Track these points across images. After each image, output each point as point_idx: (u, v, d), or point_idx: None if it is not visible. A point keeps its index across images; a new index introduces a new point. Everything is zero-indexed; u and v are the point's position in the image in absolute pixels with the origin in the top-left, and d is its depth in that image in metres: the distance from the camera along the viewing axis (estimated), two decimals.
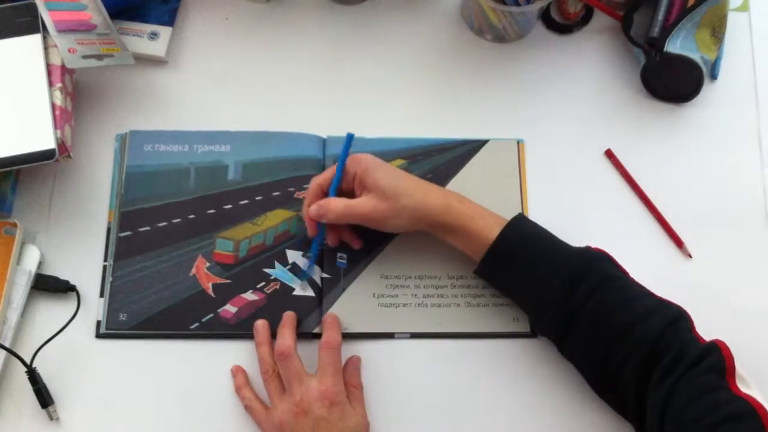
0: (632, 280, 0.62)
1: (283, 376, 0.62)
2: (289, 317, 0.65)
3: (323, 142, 0.73)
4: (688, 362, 0.55)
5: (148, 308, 0.66)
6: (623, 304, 0.60)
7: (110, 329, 0.65)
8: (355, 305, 0.67)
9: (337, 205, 0.64)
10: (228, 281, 0.67)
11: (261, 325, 0.65)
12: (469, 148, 0.73)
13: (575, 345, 0.62)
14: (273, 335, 0.65)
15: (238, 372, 0.65)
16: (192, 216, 0.69)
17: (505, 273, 0.64)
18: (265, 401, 0.63)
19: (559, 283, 0.60)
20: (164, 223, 0.69)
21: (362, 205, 0.64)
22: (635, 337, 0.58)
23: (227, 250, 0.68)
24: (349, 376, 0.64)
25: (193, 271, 0.67)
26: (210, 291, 0.67)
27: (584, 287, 0.60)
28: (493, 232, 0.62)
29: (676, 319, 0.59)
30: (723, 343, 0.57)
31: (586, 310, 0.60)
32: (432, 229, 0.65)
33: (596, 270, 0.61)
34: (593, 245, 0.65)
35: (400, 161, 0.72)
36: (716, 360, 0.55)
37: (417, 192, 0.64)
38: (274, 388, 0.62)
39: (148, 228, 0.68)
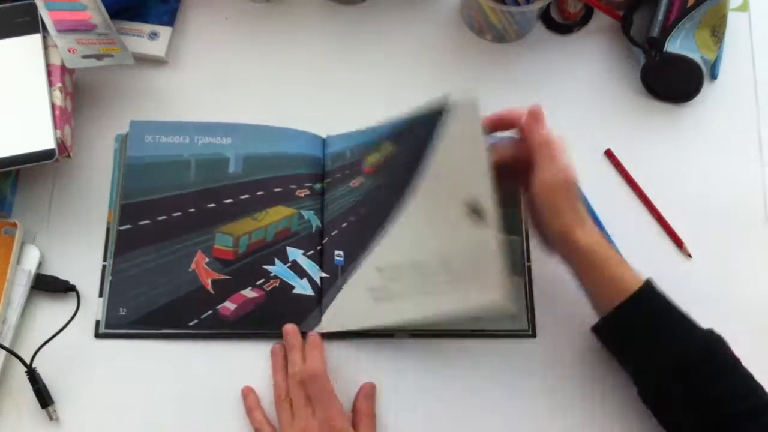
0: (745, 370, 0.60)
1: (293, 400, 0.62)
2: (293, 335, 0.65)
3: (323, 142, 0.73)
4: None
5: (147, 303, 0.66)
6: (746, 391, 0.58)
7: (110, 324, 0.66)
8: (352, 302, 0.67)
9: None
10: (227, 277, 0.67)
11: (278, 350, 0.65)
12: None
13: (684, 419, 0.59)
14: (275, 335, 0.65)
15: (249, 394, 0.64)
16: (192, 210, 0.69)
17: (628, 334, 0.61)
18: (274, 422, 0.63)
19: (683, 358, 0.58)
20: (164, 217, 0.69)
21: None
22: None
23: (227, 245, 0.68)
24: (360, 404, 0.63)
25: (193, 266, 0.67)
26: (209, 287, 0.67)
27: (708, 369, 0.58)
28: (627, 283, 0.60)
29: None
30: None
31: (706, 391, 0.58)
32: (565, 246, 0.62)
33: (721, 353, 0.59)
34: None
35: (389, 146, 0.70)
36: None
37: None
38: (286, 417, 0.62)
39: (148, 221, 0.68)
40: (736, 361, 0.59)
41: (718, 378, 0.58)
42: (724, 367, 0.59)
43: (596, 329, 0.63)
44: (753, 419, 0.56)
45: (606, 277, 0.60)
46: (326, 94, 0.76)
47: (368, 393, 0.64)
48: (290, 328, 0.65)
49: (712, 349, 0.59)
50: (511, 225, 0.71)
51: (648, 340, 0.60)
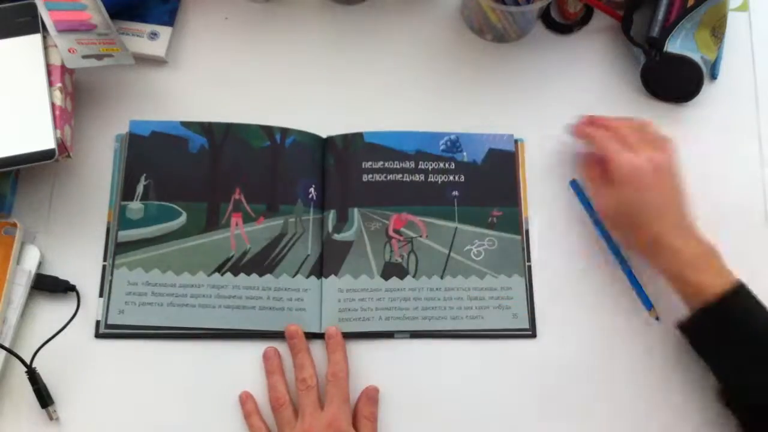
0: None
1: (300, 405, 0.62)
2: (299, 337, 0.65)
3: (323, 143, 0.73)
4: None
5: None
6: None
7: (110, 325, 0.66)
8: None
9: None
10: None
11: (272, 352, 0.65)
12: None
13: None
14: (274, 335, 0.65)
15: (248, 399, 0.64)
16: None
17: (715, 338, 0.61)
18: (272, 428, 0.63)
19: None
20: None
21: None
22: None
23: None
24: (362, 407, 0.63)
25: None
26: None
27: None
28: (711, 289, 0.60)
29: None
30: None
31: None
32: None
33: None
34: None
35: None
36: None
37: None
38: (285, 420, 0.62)
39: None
40: None
41: None
42: None
43: (683, 327, 0.63)
44: None
45: (688, 283, 0.61)
46: (326, 94, 0.76)
47: (372, 396, 0.64)
48: (294, 330, 0.65)
49: None
50: (511, 225, 0.71)
51: (744, 340, 0.60)
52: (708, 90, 0.77)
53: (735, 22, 0.80)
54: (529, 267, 0.70)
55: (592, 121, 0.70)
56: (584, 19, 0.80)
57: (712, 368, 0.62)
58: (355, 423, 0.62)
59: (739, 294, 0.60)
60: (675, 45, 0.74)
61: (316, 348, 0.66)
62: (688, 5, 0.74)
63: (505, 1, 0.73)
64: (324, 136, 0.73)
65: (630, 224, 0.65)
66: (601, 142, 0.67)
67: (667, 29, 0.74)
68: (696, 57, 0.74)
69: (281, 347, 0.66)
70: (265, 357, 0.65)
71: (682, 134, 0.75)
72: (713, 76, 0.78)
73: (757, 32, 0.80)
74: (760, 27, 0.80)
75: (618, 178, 0.64)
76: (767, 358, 0.59)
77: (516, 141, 0.74)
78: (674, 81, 0.75)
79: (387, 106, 0.75)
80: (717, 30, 0.76)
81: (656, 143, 0.66)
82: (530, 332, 0.68)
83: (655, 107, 0.77)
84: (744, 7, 0.81)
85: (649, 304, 0.69)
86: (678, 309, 0.68)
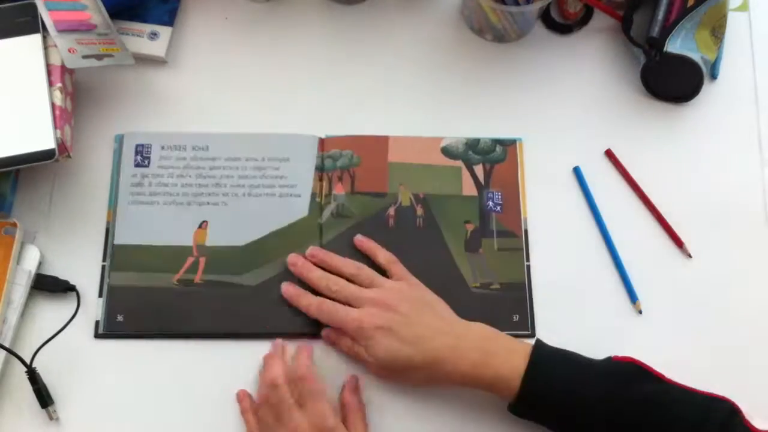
0: (670, 385, 0.59)
1: (281, 406, 0.61)
2: (276, 344, 0.65)
3: (322, 143, 0.73)
4: None
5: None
6: (673, 420, 0.57)
7: (110, 325, 0.66)
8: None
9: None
10: None
11: (242, 395, 0.65)
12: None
13: None
14: (274, 335, 0.65)
15: (244, 397, 0.64)
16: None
17: (540, 414, 0.60)
18: None
19: (600, 416, 0.58)
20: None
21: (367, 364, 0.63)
22: None
23: None
24: (347, 398, 0.63)
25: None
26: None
27: (628, 414, 0.57)
28: (513, 381, 0.59)
29: (727, 420, 0.57)
30: None
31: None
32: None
33: (634, 395, 0.58)
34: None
35: None
36: None
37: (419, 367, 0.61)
38: (272, 418, 0.61)
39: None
40: (656, 387, 0.59)
41: (648, 414, 0.57)
42: (647, 400, 0.58)
43: (513, 409, 0.61)
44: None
45: (494, 379, 0.59)
46: (326, 94, 0.76)
47: (353, 386, 0.64)
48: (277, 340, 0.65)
49: (629, 391, 0.58)
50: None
51: (563, 406, 0.58)
52: (708, 90, 0.77)
53: (735, 22, 0.80)
54: (529, 267, 0.70)
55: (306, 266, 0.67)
56: (584, 19, 0.80)
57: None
58: (342, 415, 0.62)
59: (536, 365, 0.59)
60: (675, 45, 0.74)
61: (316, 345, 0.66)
62: (688, 5, 0.74)
63: (505, 1, 0.73)
64: (323, 136, 0.73)
65: (401, 372, 0.62)
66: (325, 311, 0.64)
67: (667, 29, 0.74)
68: (696, 57, 0.74)
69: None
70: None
71: (682, 134, 0.76)
72: (713, 76, 0.78)
73: (757, 32, 0.80)
74: (760, 27, 0.80)
75: (358, 338, 0.63)
76: (597, 394, 0.58)
77: (515, 141, 0.74)
78: (674, 81, 0.75)
79: (387, 106, 0.75)
80: (717, 30, 0.76)
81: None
82: (529, 333, 0.68)
83: (655, 107, 0.77)
84: (744, 7, 0.81)
85: (634, 297, 0.69)
86: (665, 304, 0.68)
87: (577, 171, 0.73)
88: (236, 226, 0.69)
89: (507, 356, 0.60)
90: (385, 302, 0.62)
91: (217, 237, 0.69)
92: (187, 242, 0.68)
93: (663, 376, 0.60)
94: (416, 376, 0.62)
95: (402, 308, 0.62)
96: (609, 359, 0.61)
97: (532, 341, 0.67)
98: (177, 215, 0.69)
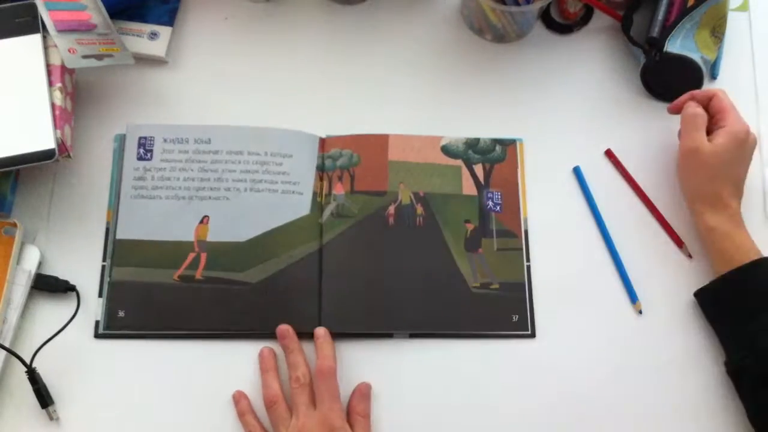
0: None
1: (294, 403, 0.62)
2: (291, 337, 0.65)
3: (322, 142, 0.73)
4: None
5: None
6: None
7: (110, 325, 0.66)
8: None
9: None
10: None
11: (267, 352, 0.65)
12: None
13: None
14: (274, 335, 0.65)
15: (241, 398, 0.64)
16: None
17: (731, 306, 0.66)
18: (267, 427, 0.63)
19: None
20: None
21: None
22: None
23: None
24: (356, 404, 0.64)
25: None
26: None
27: None
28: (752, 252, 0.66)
29: None
30: None
31: None
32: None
33: None
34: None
35: None
36: None
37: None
38: (280, 417, 0.62)
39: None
40: None
41: None
42: None
43: (698, 294, 0.67)
44: None
45: (734, 242, 0.66)
46: (326, 94, 0.76)
47: (364, 393, 0.64)
48: (284, 330, 0.65)
49: None
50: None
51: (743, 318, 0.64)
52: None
53: (735, 22, 0.80)
54: (529, 267, 0.70)
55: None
56: (584, 19, 0.80)
57: (723, 336, 0.66)
58: (348, 419, 0.62)
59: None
60: (675, 45, 0.74)
61: (309, 348, 0.66)
62: (688, 5, 0.74)
63: (505, 1, 0.73)
64: (323, 135, 0.73)
65: (711, 174, 0.68)
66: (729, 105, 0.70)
67: (667, 29, 0.74)
68: (696, 57, 0.74)
69: (277, 347, 0.66)
70: (261, 356, 0.65)
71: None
72: (713, 76, 0.78)
73: (757, 32, 0.80)
74: (760, 27, 0.80)
75: (732, 132, 0.67)
76: None
77: (515, 141, 0.74)
78: (674, 81, 0.75)
79: (387, 106, 0.76)
80: (717, 30, 0.76)
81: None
82: (529, 333, 0.68)
83: (655, 107, 0.77)
84: (744, 7, 0.81)
85: (634, 298, 0.69)
86: (665, 305, 0.68)
87: (577, 171, 0.73)
88: (238, 222, 0.69)
89: None
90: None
91: (219, 232, 0.69)
92: (188, 238, 0.68)
93: None
94: None
95: None
96: None
97: (532, 341, 0.67)
98: (179, 210, 0.69)
